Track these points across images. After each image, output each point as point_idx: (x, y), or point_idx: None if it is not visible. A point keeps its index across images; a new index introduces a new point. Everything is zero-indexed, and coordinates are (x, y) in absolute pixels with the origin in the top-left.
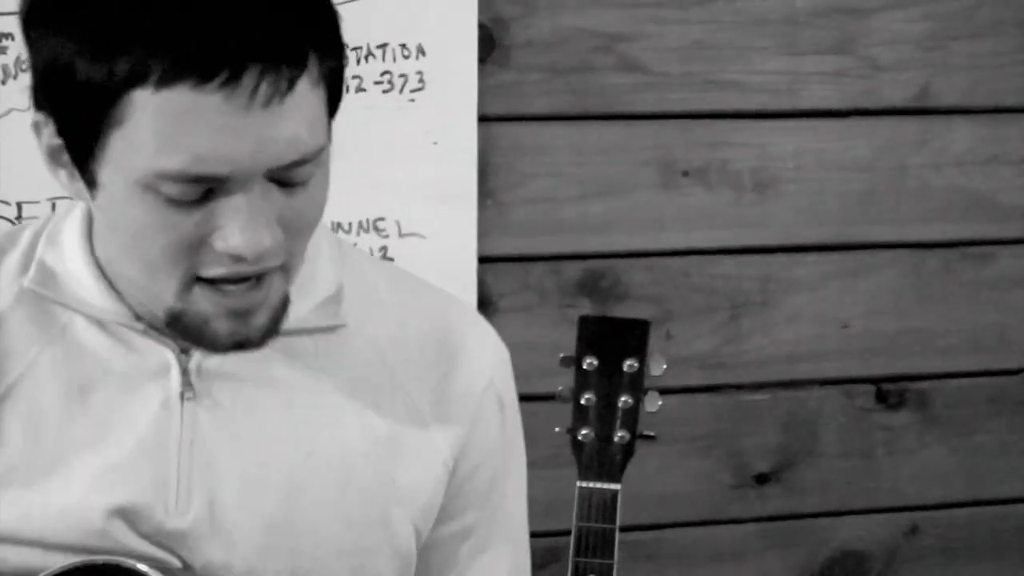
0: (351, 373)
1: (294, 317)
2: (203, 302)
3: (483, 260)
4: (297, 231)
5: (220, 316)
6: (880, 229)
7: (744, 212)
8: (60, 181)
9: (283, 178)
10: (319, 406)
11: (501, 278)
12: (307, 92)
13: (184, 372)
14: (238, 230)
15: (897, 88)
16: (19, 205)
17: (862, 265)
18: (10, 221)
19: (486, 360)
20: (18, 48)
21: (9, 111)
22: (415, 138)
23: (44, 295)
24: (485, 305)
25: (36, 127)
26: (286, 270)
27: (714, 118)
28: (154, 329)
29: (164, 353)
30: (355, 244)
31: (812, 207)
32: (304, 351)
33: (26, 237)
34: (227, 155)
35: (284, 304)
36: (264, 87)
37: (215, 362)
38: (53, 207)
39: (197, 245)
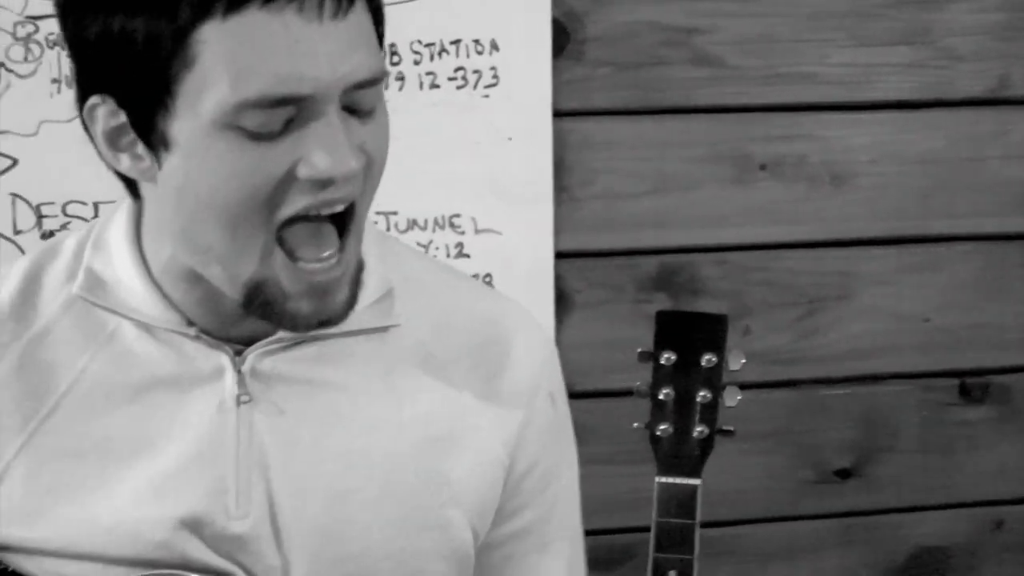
0: (400, 372)
1: (349, 318)
2: (283, 276)
3: (559, 256)
4: (371, 164)
5: (301, 295)
6: (957, 222)
7: (819, 206)
8: (121, 167)
9: (355, 103)
10: (370, 408)
11: (577, 274)
12: (362, 15)
13: (239, 375)
14: (325, 152)
15: (973, 79)
16: (96, 205)
17: (939, 258)
18: (87, 221)
19: (536, 357)
20: None
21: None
22: (489, 134)
23: (93, 302)
24: (562, 301)
25: (90, 112)
26: (358, 221)
27: (788, 111)
28: (206, 333)
29: (218, 357)
30: (431, 241)
31: (888, 200)
32: (354, 351)
33: (69, 245)
34: (305, 72)
35: (357, 277)
36: (329, 1)
37: (269, 364)
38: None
39: (281, 186)
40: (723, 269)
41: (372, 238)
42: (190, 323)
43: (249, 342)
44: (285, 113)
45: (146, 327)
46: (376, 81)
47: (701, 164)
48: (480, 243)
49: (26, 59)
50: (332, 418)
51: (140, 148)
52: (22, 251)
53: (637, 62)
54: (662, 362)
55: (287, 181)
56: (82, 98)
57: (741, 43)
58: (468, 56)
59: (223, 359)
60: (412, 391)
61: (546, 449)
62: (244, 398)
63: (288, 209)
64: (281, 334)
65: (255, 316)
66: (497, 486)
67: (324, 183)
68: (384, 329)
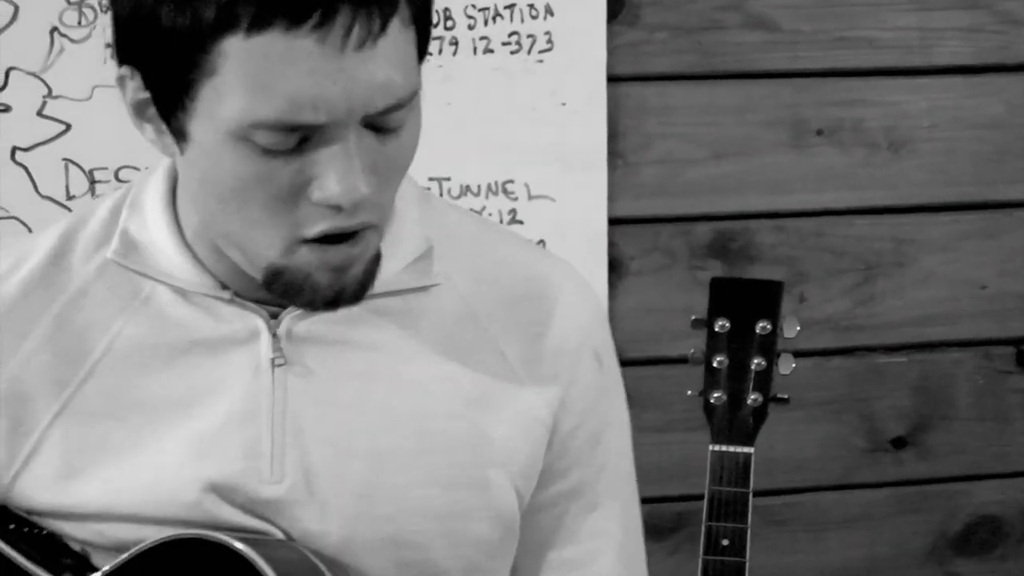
0: (441, 331)
1: (385, 278)
2: (305, 260)
3: (613, 222)
4: (388, 178)
5: (321, 269)
6: (1016, 188)
7: (877, 171)
8: (146, 136)
9: (378, 124)
10: (408, 367)
11: (631, 240)
12: (398, 34)
13: (273, 337)
14: (335, 179)
15: None
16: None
17: (997, 225)
18: None
19: (581, 315)
20: None
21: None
22: (543, 99)
23: (127, 266)
24: (616, 268)
25: (121, 81)
26: (377, 227)
27: (845, 76)
28: (240, 297)
29: (253, 320)
30: (484, 207)
31: (946, 166)
32: (393, 311)
33: (105, 207)
34: (322, 100)
35: (376, 259)
36: (357, 29)
37: (304, 326)
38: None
39: (295, 197)
40: (779, 236)
41: (412, 198)
42: (224, 287)
43: (284, 305)
44: (299, 134)
45: (181, 292)
46: (401, 106)
47: (757, 129)
48: (534, 209)
49: (80, 24)
50: (369, 379)
51: (164, 127)
52: None
53: (692, 26)
54: (716, 329)
55: (302, 197)
56: (118, 61)
57: (797, 7)
58: (522, 21)
59: (258, 322)
60: (452, 350)
61: (593, 409)
62: (279, 361)
63: (309, 230)
64: None
65: (275, 295)
66: (540, 446)
67: (336, 208)
68: (423, 289)
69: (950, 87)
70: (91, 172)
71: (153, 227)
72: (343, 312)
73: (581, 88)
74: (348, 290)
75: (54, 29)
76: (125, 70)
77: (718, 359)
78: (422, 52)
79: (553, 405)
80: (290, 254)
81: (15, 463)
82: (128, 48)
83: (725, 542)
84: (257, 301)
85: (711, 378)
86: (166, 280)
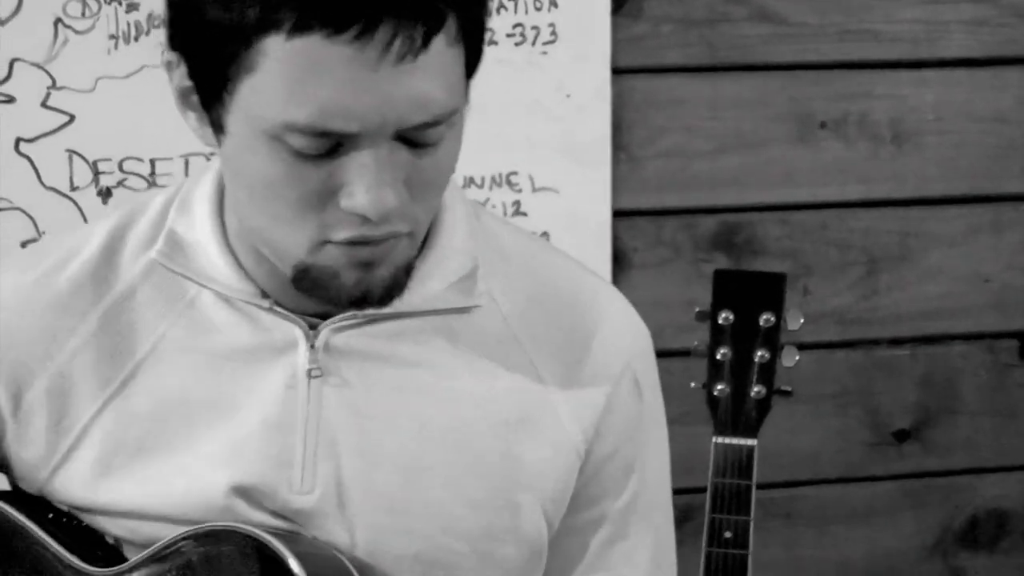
0: (480, 351)
1: (428, 296)
2: (332, 258)
3: (617, 215)
4: (422, 193)
5: (347, 268)
6: (1021, 181)
7: (882, 165)
8: (189, 124)
9: (413, 138)
10: (445, 386)
11: (635, 233)
12: (443, 51)
13: (311, 349)
14: (364, 188)
15: None
16: (152, 162)
17: (1003, 218)
18: (144, 178)
19: (623, 342)
20: (150, 4)
21: (141, 68)
22: (548, 91)
23: (171, 269)
24: (620, 260)
25: (168, 66)
26: (412, 235)
27: (851, 69)
28: (280, 306)
29: (292, 329)
30: (487, 199)
31: (952, 159)
32: (434, 329)
33: (156, 204)
34: (354, 111)
35: (408, 268)
36: (397, 43)
37: (343, 339)
38: (186, 165)
39: (324, 201)
40: (784, 229)
41: (462, 214)
42: (265, 295)
43: (325, 316)
44: (331, 140)
45: (224, 297)
46: (438, 123)
47: (763, 122)
48: (537, 202)
49: (83, 15)
50: (407, 395)
51: (205, 117)
52: (78, 208)
53: (698, 19)
54: (720, 322)
55: (331, 201)
56: (168, 46)
57: (804, 0)
58: (527, 12)
59: (296, 332)
60: (491, 370)
61: (629, 438)
62: (315, 372)
63: (336, 235)
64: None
65: (303, 293)
66: (572, 472)
67: (363, 217)
68: (466, 309)
69: (956, 80)
70: (95, 163)
71: (199, 229)
72: (384, 327)
73: (586, 80)
74: (375, 291)
75: (58, 20)
76: (173, 56)
77: (722, 351)
78: (471, 69)
79: (588, 432)
80: (317, 252)
81: (54, 457)
82: (176, 35)
83: (728, 534)
84: (297, 312)
85: (715, 370)
86: (208, 285)
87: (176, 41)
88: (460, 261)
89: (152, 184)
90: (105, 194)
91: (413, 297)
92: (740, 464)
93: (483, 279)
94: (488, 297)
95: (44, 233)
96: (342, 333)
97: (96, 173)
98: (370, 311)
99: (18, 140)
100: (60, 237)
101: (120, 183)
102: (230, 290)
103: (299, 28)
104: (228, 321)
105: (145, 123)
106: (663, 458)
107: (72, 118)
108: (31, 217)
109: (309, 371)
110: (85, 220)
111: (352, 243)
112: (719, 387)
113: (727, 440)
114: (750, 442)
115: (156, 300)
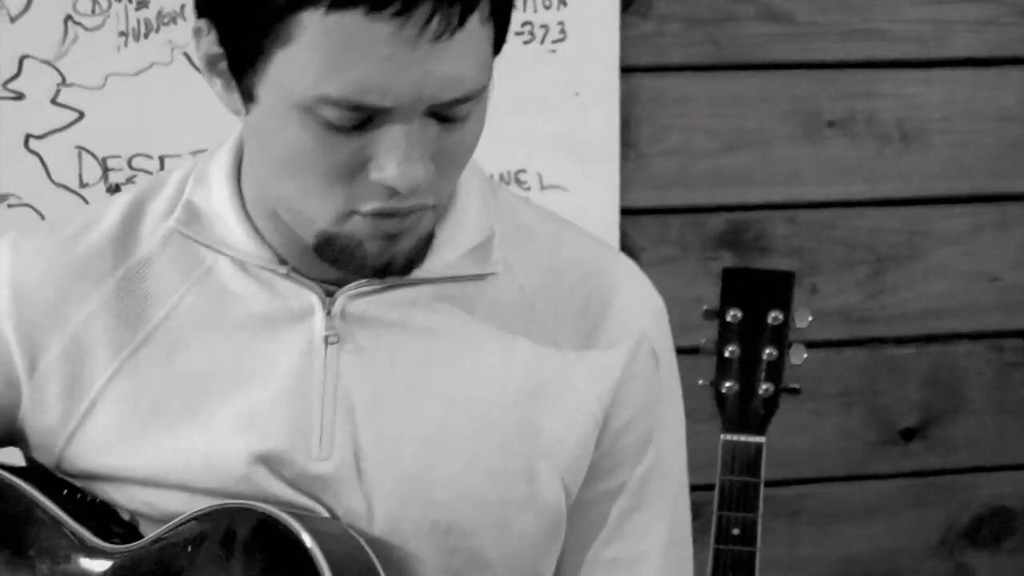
0: (497, 320)
1: (443, 264)
2: (357, 228)
3: (625, 212)
4: (447, 167)
5: (372, 239)
6: None
7: (889, 163)
8: (214, 89)
9: (443, 114)
10: (463, 353)
11: (643, 231)
12: (476, 29)
13: (328, 315)
14: (394, 162)
15: None
16: (162, 159)
17: (1009, 217)
18: (153, 174)
19: (640, 313)
20: (160, 2)
21: (151, 65)
22: (556, 89)
23: (188, 236)
24: None
25: (197, 33)
26: (435, 207)
27: (858, 68)
28: (297, 272)
29: (308, 296)
30: None
31: (959, 158)
32: (450, 297)
33: (174, 179)
34: (390, 87)
35: (428, 238)
36: (436, 21)
37: (360, 306)
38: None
39: (352, 173)
40: (791, 227)
41: (477, 186)
42: (282, 261)
43: (341, 284)
44: (364, 114)
45: (240, 263)
46: (469, 99)
47: (770, 121)
48: (546, 199)
49: (94, 12)
50: (424, 362)
51: (233, 84)
52: (87, 204)
53: (706, 17)
54: (728, 319)
55: (360, 173)
56: (196, 13)
57: None
58: (535, 11)
59: (313, 299)
60: (508, 339)
61: (646, 408)
62: (332, 339)
63: (363, 206)
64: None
65: (326, 262)
66: (589, 441)
67: (391, 190)
68: (481, 277)
69: (963, 79)
70: (104, 160)
71: (217, 198)
72: (400, 294)
73: (594, 79)
74: (397, 261)
75: (68, 17)
76: (202, 23)
77: (730, 349)
78: (498, 48)
79: (605, 400)
80: (342, 223)
81: (71, 422)
82: (207, 2)
83: (736, 531)
84: (314, 279)
85: (723, 368)
86: (226, 251)
87: (207, 8)
88: (475, 230)
89: None
90: (114, 190)
91: (429, 265)
92: (748, 461)
93: (499, 248)
94: (504, 265)
95: None
96: (359, 300)
97: (105, 170)
98: (387, 278)
99: (28, 137)
100: (80, 211)
101: (129, 180)
102: (247, 256)
103: (339, 4)
104: (245, 288)
105: (154, 120)
106: (679, 430)
107: (81, 115)
108: (40, 213)
109: (326, 338)
110: None
111: (378, 214)
112: (727, 384)
113: (735, 437)
114: (758, 439)
115: (173, 268)
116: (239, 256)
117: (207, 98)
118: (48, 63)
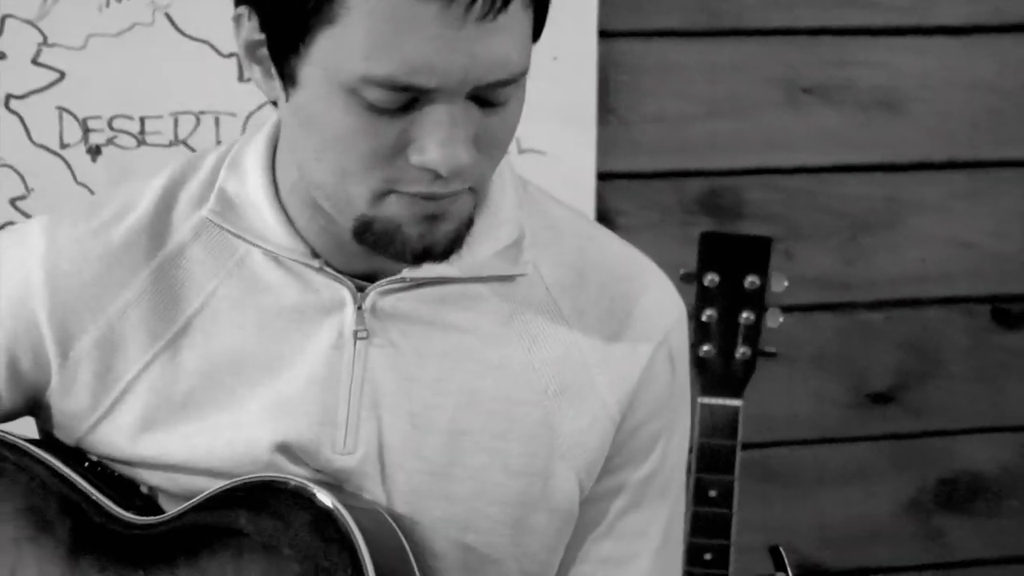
0: (522, 320)
1: (475, 262)
2: (395, 210)
3: (603, 177)
4: (488, 151)
5: (412, 222)
6: (1008, 148)
7: (869, 131)
8: (253, 77)
9: (485, 97)
10: (489, 352)
11: (621, 195)
12: (519, 12)
13: (358, 310)
14: (437, 144)
15: None
16: (142, 120)
17: (989, 185)
18: (133, 136)
19: (661, 317)
20: None
21: (133, 26)
22: (534, 54)
23: (222, 226)
24: (604, 222)
25: (237, 20)
26: (475, 191)
27: (841, 35)
28: (330, 267)
29: (340, 290)
30: None
31: (939, 126)
32: (479, 295)
33: (208, 163)
34: (437, 67)
35: (469, 222)
36: (480, 2)
37: (390, 302)
38: (175, 123)
39: (393, 155)
40: (771, 193)
41: (510, 184)
42: (315, 255)
43: (373, 278)
44: (409, 96)
45: (274, 256)
46: (511, 82)
47: (751, 87)
48: (523, 163)
49: None
50: (452, 359)
51: (273, 70)
52: (68, 165)
53: None
54: (705, 284)
55: (401, 156)
56: (236, 1)
57: None
58: None
59: (344, 293)
60: (534, 340)
61: (658, 412)
62: (361, 333)
63: (403, 188)
64: (404, 273)
65: (366, 247)
66: (606, 442)
67: (433, 173)
68: (511, 277)
69: (945, 48)
70: (84, 120)
71: (251, 187)
72: (431, 292)
73: (572, 43)
74: (438, 245)
75: None
76: (243, 9)
77: (707, 313)
78: (537, 33)
79: (623, 401)
80: (379, 204)
81: (99, 409)
82: None
83: (713, 493)
84: (346, 273)
85: (700, 331)
86: (259, 243)
87: None
88: (508, 229)
89: (142, 143)
90: (95, 152)
91: (461, 263)
92: (726, 424)
93: (528, 248)
94: (532, 266)
95: (33, 190)
96: (389, 296)
97: (86, 130)
98: (417, 275)
99: (8, 96)
100: (112, 192)
101: (110, 141)
102: (281, 249)
103: None
104: (277, 280)
105: (135, 81)
106: (685, 435)
107: (63, 75)
108: (20, 174)
109: (356, 332)
110: (75, 178)
111: (418, 196)
112: (705, 348)
113: (713, 400)
114: (735, 402)
115: (206, 258)
116: (272, 248)
117: (188, 60)
118: (30, 23)
